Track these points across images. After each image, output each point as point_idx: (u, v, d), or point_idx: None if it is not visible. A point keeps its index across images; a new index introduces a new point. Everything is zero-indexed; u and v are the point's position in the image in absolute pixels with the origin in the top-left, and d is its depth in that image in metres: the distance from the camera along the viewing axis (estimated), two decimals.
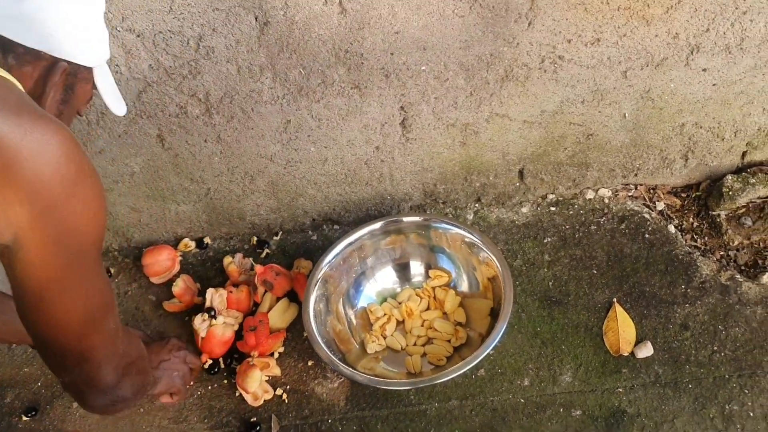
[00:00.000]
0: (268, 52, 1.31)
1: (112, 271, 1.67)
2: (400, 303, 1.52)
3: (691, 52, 1.39)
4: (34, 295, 0.84)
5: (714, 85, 1.47)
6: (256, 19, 1.26)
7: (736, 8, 1.33)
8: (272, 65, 1.33)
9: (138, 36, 1.26)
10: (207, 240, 1.71)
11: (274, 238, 1.71)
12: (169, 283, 1.59)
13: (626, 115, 1.51)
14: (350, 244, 1.50)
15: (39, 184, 0.78)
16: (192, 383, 1.44)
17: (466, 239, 1.48)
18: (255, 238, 1.70)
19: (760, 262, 1.55)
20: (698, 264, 1.53)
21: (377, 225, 1.52)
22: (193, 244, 1.70)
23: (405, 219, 1.54)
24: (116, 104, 1.02)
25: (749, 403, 1.32)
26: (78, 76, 0.94)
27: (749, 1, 1.32)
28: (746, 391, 1.33)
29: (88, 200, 0.84)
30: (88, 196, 0.84)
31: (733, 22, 1.35)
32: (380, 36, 1.30)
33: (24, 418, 1.44)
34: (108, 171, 1.51)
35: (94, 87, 0.98)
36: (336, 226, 1.72)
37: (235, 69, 1.33)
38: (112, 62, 1.30)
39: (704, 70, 1.43)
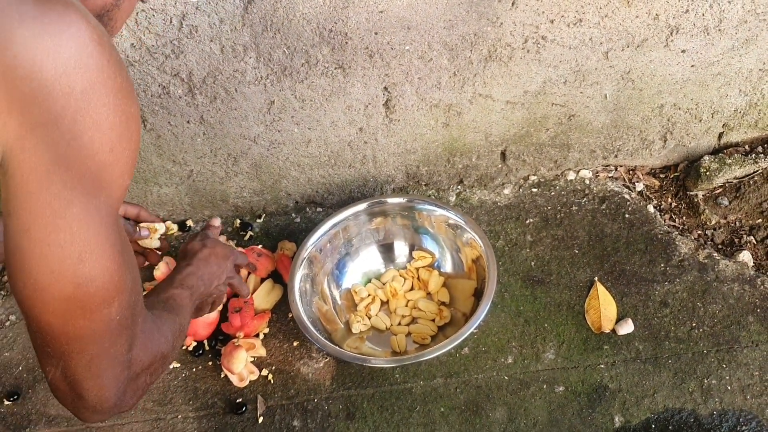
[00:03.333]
0: (252, 31, 1.30)
1: None
2: (384, 283, 1.53)
3: (671, 33, 1.41)
4: (12, 239, 0.64)
5: (692, 66, 1.49)
6: None
7: None
8: (256, 45, 1.32)
9: None
10: (190, 223, 1.70)
11: (258, 220, 1.71)
12: (152, 266, 1.58)
13: (607, 95, 1.53)
14: (335, 224, 1.50)
15: (34, 88, 0.59)
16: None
17: (450, 220, 1.49)
18: (238, 221, 1.69)
19: (736, 240, 1.58)
20: (677, 243, 1.56)
21: (362, 206, 1.52)
22: (175, 227, 1.67)
23: (389, 200, 1.54)
24: None
25: (727, 377, 1.35)
26: None
27: None
28: (724, 366, 1.36)
29: (106, 125, 0.64)
30: (106, 119, 0.64)
31: (711, 3, 1.37)
32: (364, 15, 1.30)
33: (6, 402, 1.43)
34: None
35: None
36: (319, 209, 1.72)
37: (218, 48, 1.32)
38: None
39: (683, 51, 1.45)
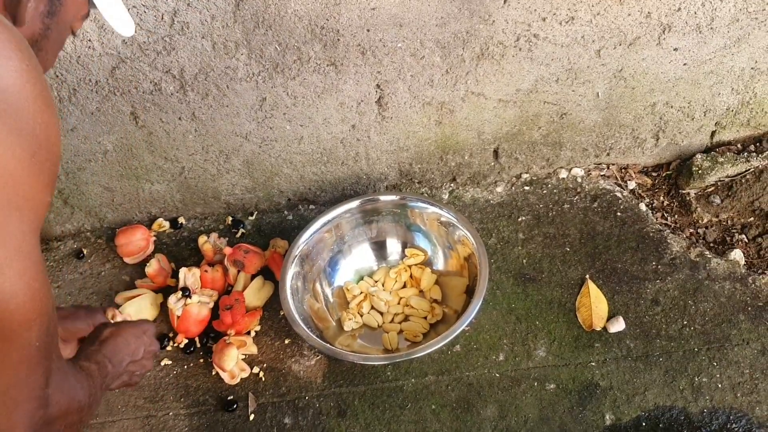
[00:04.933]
0: (244, 27, 1.30)
1: (85, 251, 1.65)
2: (376, 281, 1.53)
3: (663, 32, 1.41)
4: None
5: (685, 64, 1.49)
6: None
7: None
8: (248, 41, 1.32)
9: None
10: (181, 220, 1.69)
11: (250, 218, 1.71)
12: (143, 263, 1.58)
13: (599, 94, 1.53)
14: (328, 222, 1.50)
15: None
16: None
17: (443, 218, 1.49)
18: (230, 218, 1.69)
19: (728, 239, 1.58)
20: (668, 241, 1.56)
21: (354, 203, 1.52)
22: (167, 224, 1.69)
23: (382, 198, 1.54)
24: (120, 21, 0.81)
25: (717, 375, 1.35)
26: None
27: None
28: (715, 364, 1.37)
29: (27, 129, 0.62)
30: (26, 123, 0.63)
31: (704, 1, 1.37)
32: (356, 12, 1.29)
33: None
34: (80, 149, 1.49)
35: None
36: (311, 206, 1.72)
37: (210, 45, 1.32)
38: (84, 37, 1.28)
39: (675, 49, 1.46)
